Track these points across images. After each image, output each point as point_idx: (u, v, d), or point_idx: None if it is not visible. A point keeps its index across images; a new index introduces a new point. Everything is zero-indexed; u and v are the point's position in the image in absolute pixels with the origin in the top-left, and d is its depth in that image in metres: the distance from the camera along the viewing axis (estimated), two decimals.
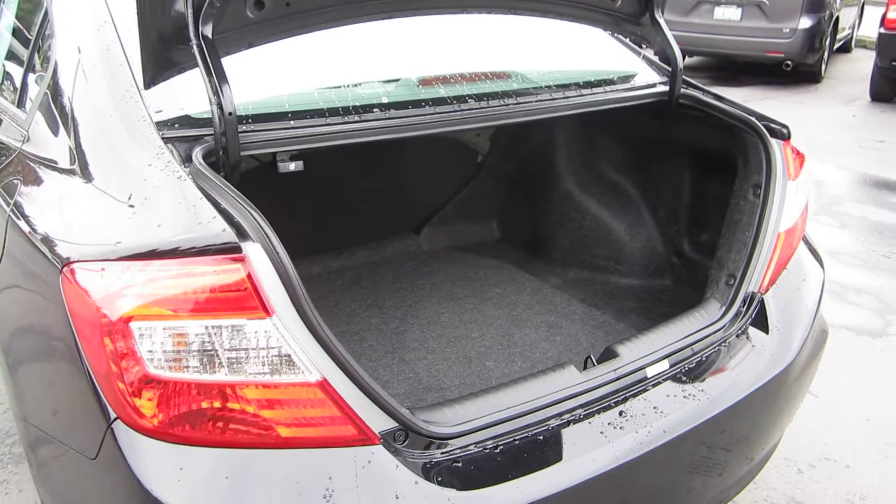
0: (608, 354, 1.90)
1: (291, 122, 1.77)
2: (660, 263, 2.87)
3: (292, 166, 1.85)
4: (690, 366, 1.94)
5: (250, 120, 1.74)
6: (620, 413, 1.75)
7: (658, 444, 1.72)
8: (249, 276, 1.39)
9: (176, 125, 1.70)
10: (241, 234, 1.42)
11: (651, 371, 1.87)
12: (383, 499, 1.43)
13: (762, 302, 2.12)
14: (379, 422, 1.49)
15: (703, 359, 1.97)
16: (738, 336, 2.06)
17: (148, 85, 1.72)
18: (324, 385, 1.43)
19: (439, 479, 1.49)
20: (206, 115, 1.70)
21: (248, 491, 1.38)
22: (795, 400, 2.19)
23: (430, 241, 3.22)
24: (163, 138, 1.64)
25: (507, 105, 2.05)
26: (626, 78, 2.46)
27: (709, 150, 2.53)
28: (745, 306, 2.11)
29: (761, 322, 2.10)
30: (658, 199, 2.85)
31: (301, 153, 2.36)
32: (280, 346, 1.40)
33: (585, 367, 1.90)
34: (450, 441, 1.56)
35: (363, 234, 3.09)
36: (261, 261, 1.41)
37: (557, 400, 1.70)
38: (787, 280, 2.20)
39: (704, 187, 2.67)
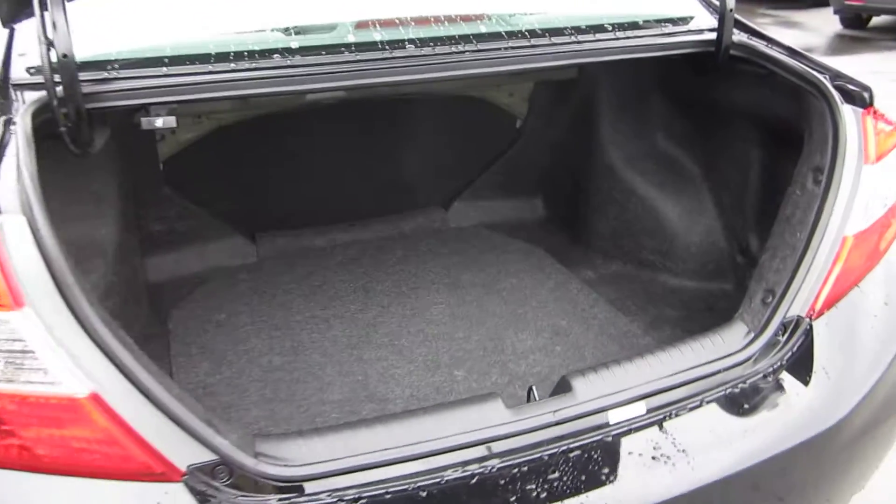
0: (561, 387, 1.43)
1: (166, 68, 1.44)
2: (720, 262, 2.27)
3: (159, 122, 1.53)
4: (679, 413, 1.43)
5: (115, 66, 1.44)
6: (552, 474, 1.30)
7: None
8: None
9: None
10: None
11: (616, 416, 1.38)
12: None
13: (809, 331, 1.54)
14: (186, 452, 1.16)
15: (702, 404, 1.44)
16: (764, 377, 1.51)
17: (6, 22, 1.47)
18: (95, 400, 1.11)
19: None
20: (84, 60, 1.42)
21: None
22: (851, 472, 1.60)
23: (460, 216, 2.80)
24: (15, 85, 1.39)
25: (465, 53, 1.59)
26: (670, 21, 1.89)
27: (777, 119, 1.91)
28: (784, 335, 1.54)
29: (803, 360, 1.52)
30: (723, 180, 2.24)
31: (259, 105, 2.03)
32: (27, 346, 1.09)
33: (529, 399, 1.46)
34: (299, 485, 1.20)
35: (382, 205, 2.73)
36: (17, 237, 1.11)
37: (461, 445, 1.27)
38: (854, 304, 1.59)
39: (779, 168, 2.04)
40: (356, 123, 2.51)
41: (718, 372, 1.48)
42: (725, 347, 1.53)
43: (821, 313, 1.57)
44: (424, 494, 1.23)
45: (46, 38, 1.29)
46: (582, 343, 2.04)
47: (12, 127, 1.28)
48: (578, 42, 1.68)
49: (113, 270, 1.88)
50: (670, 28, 1.85)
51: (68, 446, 1.11)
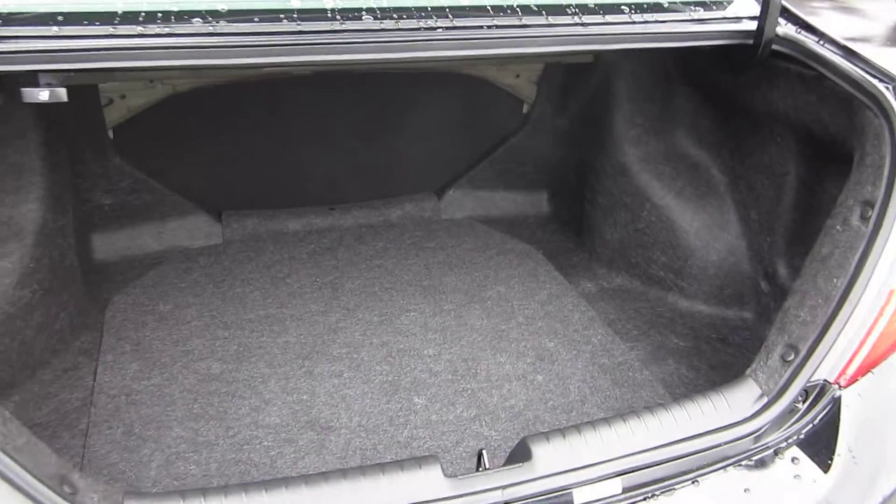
0: (518, 454, 1.17)
1: (58, 28, 1.16)
2: (741, 286, 1.97)
3: (44, 96, 1.25)
4: (665, 494, 1.16)
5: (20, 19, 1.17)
6: None
7: None
8: None
9: None
10: None
11: (584, 496, 1.12)
12: None
13: (836, 402, 1.25)
14: None
15: (694, 483, 1.18)
16: (775, 453, 1.23)
17: None
18: None
19: None
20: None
21: None
22: None
23: (454, 207, 2.51)
24: None
25: (437, 30, 1.28)
26: (702, 4, 1.57)
27: (824, 132, 1.58)
28: (805, 403, 1.26)
29: (825, 438, 1.24)
30: (752, 193, 1.93)
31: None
32: None
33: (479, 467, 1.20)
34: None
35: (366, 188, 2.45)
36: None
37: None
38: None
39: (820, 187, 1.73)
40: (337, 95, 2.23)
41: (718, 446, 1.21)
42: (730, 414, 1.25)
43: (853, 380, 1.28)
44: None
45: None
46: (568, 373, 1.76)
47: None
48: (583, 25, 1.37)
49: (31, 255, 1.64)
50: (701, 13, 1.53)
51: None
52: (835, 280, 1.30)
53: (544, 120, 2.39)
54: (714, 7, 1.54)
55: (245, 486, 1.05)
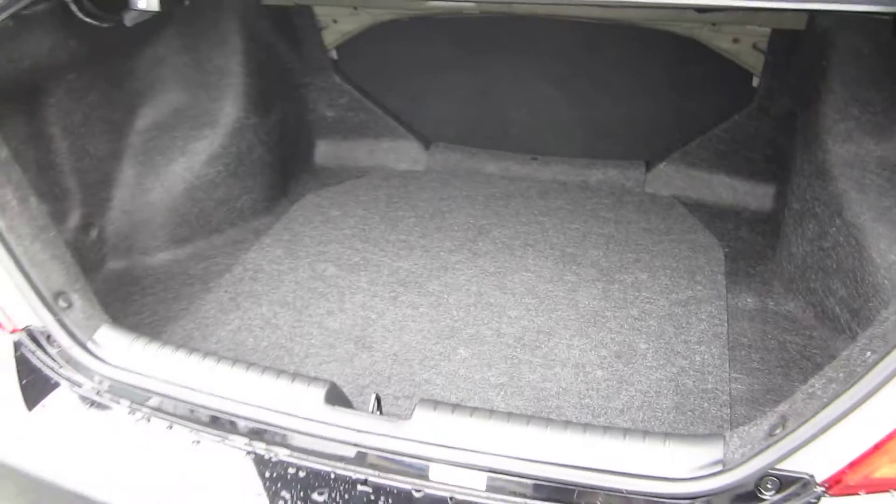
0: (404, 412, 1.15)
1: None
2: None
3: (142, 3, 1.50)
4: None
5: None
6: (319, 494, 1.08)
7: None
8: None
9: None
10: None
11: (440, 474, 1.07)
12: None
13: None
14: (28, 316, 1.26)
15: None
16: None
17: None
18: None
19: None
20: None
21: None
22: None
23: (661, 182, 2.26)
24: None
25: None
26: None
27: None
28: (777, 495, 0.97)
29: None
30: None
31: None
32: None
33: (372, 409, 1.20)
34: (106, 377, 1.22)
35: (570, 144, 2.36)
36: None
37: (251, 418, 1.14)
38: None
39: None
40: (546, 43, 2.17)
41: (619, 492, 1.00)
42: (667, 466, 1.02)
43: (850, 492, 0.92)
44: (197, 439, 1.14)
45: None
46: (634, 379, 1.54)
47: None
48: None
49: (221, 143, 2.02)
50: None
51: None
52: (868, 353, 0.93)
53: (773, 97, 1.99)
54: None
55: (193, 352, 1.23)
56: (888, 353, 0.90)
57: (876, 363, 0.91)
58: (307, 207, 2.24)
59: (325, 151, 2.50)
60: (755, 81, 2.04)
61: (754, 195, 2.17)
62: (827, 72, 1.65)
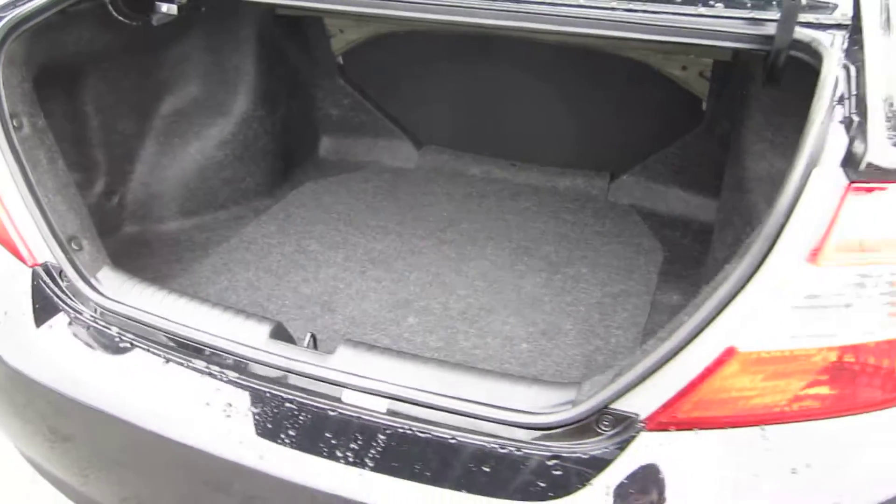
0: (330, 348, 1.40)
1: None
2: None
3: (165, 7, 1.79)
4: (423, 433, 1.27)
5: None
6: (256, 406, 1.34)
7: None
8: None
9: None
10: None
11: (350, 398, 1.32)
12: None
13: (635, 443, 1.16)
14: (46, 253, 1.54)
15: (453, 439, 1.26)
16: (553, 458, 1.21)
17: None
18: None
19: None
20: None
21: None
22: None
23: (623, 192, 2.48)
24: None
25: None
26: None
27: None
28: (611, 430, 1.20)
29: (591, 469, 1.17)
30: None
31: None
32: None
33: (308, 344, 1.45)
34: (105, 309, 1.50)
35: (548, 153, 2.60)
36: None
37: (212, 345, 1.41)
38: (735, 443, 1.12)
39: None
40: (526, 61, 2.42)
41: (485, 418, 1.24)
42: (528, 402, 1.25)
43: (661, 427, 1.15)
44: (167, 359, 1.40)
45: None
46: (552, 352, 1.78)
47: None
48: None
49: (230, 130, 2.32)
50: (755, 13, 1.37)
51: None
52: (685, 317, 1.16)
53: (717, 120, 2.21)
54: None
55: (173, 293, 1.51)
56: (693, 317, 1.13)
57: (683, 325, 1.14)
58: (304, 193, 2.52)
59: (328, 146, 2.78)
60: (704, 105, 2.26)
61: (703, 208, 2.38)
62: (747, 99, 1.88)
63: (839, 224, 1.03)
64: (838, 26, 1.33)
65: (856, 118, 1.10)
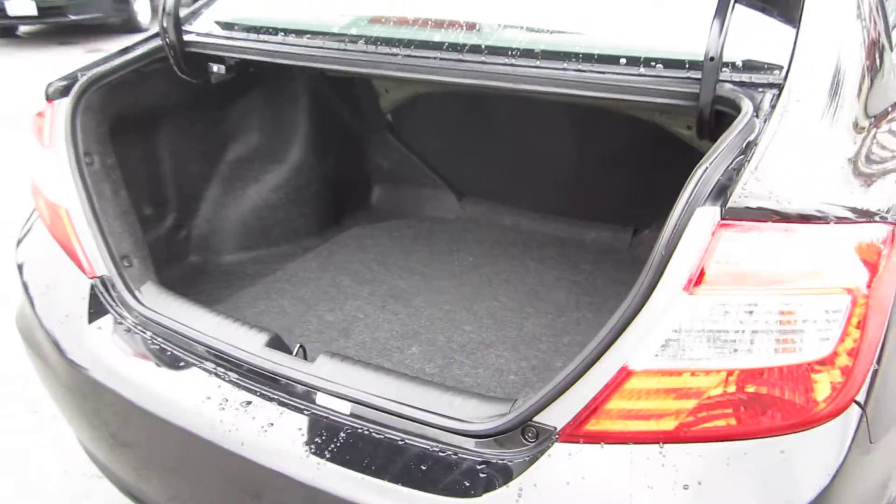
0: (310, 358, 1.61)
1: (250, 34, 2.03)
2: None
3: (215, 68, 2.12)
4: (376, 433, 1.46)
5: (234, 26, 2.10)
6: (247, 393, 1.56)
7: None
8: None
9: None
10: None
11: (322, 400, 1.53)
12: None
13: (544, 451, 1.30)
14: (101, 267, 1.87)
15: (401, 441, 1.43)
16: (482, 463, 1.36)
17: None
18: (67, 213, 1.89)
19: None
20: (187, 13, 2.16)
21: None
22: None
23: (644, 246, 2.59)
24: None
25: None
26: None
27: None
28: (534, 442, 1.34)
29: (509, 474, 1.31)
30: None
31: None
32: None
33: (295, 354, 1.67)
34: (141, 315, 1.79)
35: (575, 206, 2.75)
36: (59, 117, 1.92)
37: (215, 349, 1.66)
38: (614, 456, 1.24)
39: None
40: (555, 121, 2.61)
41: (429, 424, 1.41)
42: (467, 413, 1.41)
43: (571, 439, 1.28)
44: (185, 360, 1.66)
45: (164, 9, 2.04)
46: (535, 386, 1.91)
47: None
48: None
49: (285, 176, 2.64)
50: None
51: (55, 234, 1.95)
52: (595, 344, 1.29)
53: None
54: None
55: (191, 302, 1.78)
56: (598, 340, 1.26)
57: (592, 346, 1.27)
58: (350, 236, 2.80)
59: (379, 195, 3.06)
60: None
61: None
62: None
63: (711, 257, 1.15)
64: (770, 85, 1.45)
65: (742, 165, 1.23)
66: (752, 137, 1.30)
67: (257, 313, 2.28)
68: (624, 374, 1.22)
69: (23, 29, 10.70)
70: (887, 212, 1.27)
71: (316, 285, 2.45)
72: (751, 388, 1.17)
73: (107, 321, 1.80)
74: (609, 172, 2.63)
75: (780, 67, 1.50)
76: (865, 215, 1.24)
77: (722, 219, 1.15)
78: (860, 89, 1.55)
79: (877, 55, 1.67)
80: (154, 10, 10.55)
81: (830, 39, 1.56)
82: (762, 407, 1.18)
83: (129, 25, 10.16)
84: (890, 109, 1.64)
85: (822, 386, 1.18)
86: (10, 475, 2.49)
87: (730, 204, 1.15)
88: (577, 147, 2.65)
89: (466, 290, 2.40)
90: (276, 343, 1.66)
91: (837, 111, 1.45)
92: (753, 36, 1.56)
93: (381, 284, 2.44)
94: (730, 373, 1.18)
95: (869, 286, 1.17)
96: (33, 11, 9.68)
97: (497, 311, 2.28)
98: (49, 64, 8.84)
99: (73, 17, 9.82)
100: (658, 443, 1.23)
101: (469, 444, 1.37)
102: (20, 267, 2.04)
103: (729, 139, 1.29)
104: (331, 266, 2.57)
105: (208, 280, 2.48)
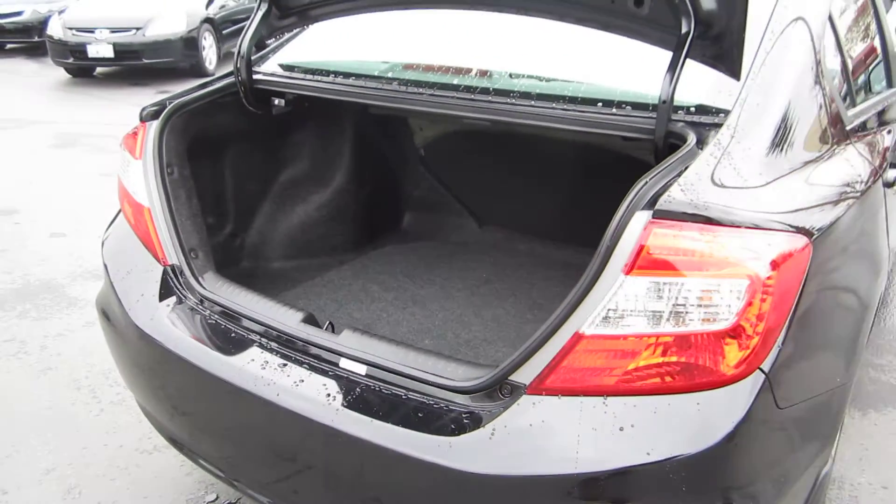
0: (337, 330, 1.96)
1: (311, 75, 2.46)
2: None
3: (276, 101, 2.55)
4: (385, 392, 1.81)
5: (294, 68, 2.54)
6: (285, 362, 1.92)
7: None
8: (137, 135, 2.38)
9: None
10: None
11: (345, 364, 1.88)
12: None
13: (514, 402, 1.62)
14: (174, 256, 2.28)
15: (405, 398, 1.77)
16: (467, 415, 1.68)
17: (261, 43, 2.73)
18: (149, 211, 2.31)
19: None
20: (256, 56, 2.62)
21: None
22: None
23: None
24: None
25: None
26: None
27: None
28: (507, 397, 1.67)
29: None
30: None
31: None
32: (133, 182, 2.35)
33: (325, 328, 2.02)
34: (203, 302, 2.19)
35: (582, 234, 3.09)
36: (150, 135, 2.36)
37: (264, 322, 2.03)
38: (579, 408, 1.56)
39: None
40: (557, 158, 2.98)
41: (425, 381, 1.75)
42: (453, 375, 1.74)
43: (536, 392, 1.60)
44: (236, 332, 2.04)
45: (238, 53, 2.49)
46: None
47: None
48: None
49: (327, 198, 3.05)
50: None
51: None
52: (562, 308, 1.62)
53: None
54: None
55: (243, 290, 2.17)
56: (559, 312, 1.59)
57: (553, 319, 1.61)
58: (382, 253, 3.18)
59: (410, 220, 3.45)
60: None
61: None
62: None
63: (643, 248, 1.49)
64: (716, 125, 1.80)
65: (675, 180, 1.57)
66: (690, 163, 1.65)
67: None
68: (576, 338, 1.55)
69: (99, 70, 11.57)
70: (803, 225, 1.60)
71: (348, 290, 2.83)
72: (674, 353, 1.50)
73: (174, 300, 2.20)
74: (607, 204, 2.96)
75: (727, 112, 1.85)
76: (778, 224, 1.57)
77: (652, 218, 1.50)
78: (806, 133, 1.89)
79: (825, 108, 2.01)
80: (220, 57, 11.36)
81: (777, 93, 1.90)
82: (683, 368, 1.50)
83: (197, 70, 10.88)
84: (826, 152, 1.98)
85: (732, 354, 1.50)
86: None
87: (657, 206, 1.50)
88: (580, 181, 3.01)
89: (477, 300, 2.75)
90: (310, 320, 2.03)
91: (775, 147, 1.79)
92: (706, 85, 1.92)
93: (405, 292, 2.81)
94: (658, 339, 1.50)
95: (770, 277, 1.49)
96: (110, 54, 10.58)
97: (501, 317, 2.62)
98: (122, 100, 9.64)
99: (146, 61, 10.65)
100: (602, 395, 1.55)
101: (458, 398, 1.70)
102: (104, 257, 2.47)
103: (670, 162, 1.64)
104: (362, 275, 2.95)
105: (257, 282, 2.88)
